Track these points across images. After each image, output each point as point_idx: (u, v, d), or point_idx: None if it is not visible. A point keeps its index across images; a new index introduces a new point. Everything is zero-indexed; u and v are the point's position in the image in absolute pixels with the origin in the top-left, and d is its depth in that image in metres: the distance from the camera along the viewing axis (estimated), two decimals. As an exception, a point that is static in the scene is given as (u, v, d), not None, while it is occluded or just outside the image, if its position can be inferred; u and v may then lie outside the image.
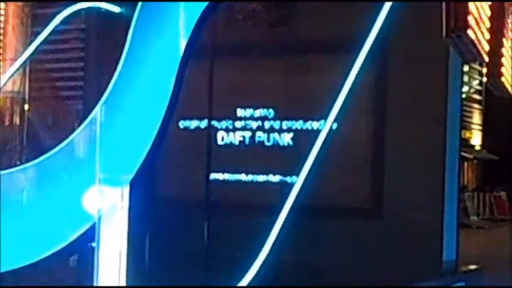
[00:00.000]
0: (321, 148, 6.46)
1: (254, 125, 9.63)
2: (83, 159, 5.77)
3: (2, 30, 8.12)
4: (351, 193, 9.05)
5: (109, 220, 5.49)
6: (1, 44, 8.11)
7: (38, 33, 7.39)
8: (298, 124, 9.26)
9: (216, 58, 8.09)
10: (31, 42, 7.58)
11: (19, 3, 8.22)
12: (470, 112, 41.61)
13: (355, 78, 6.73)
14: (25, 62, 7.68)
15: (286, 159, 9.01)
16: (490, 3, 7.24)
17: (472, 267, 9.64)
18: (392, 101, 8.96)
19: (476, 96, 43.04)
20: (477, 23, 6.62)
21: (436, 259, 8.62)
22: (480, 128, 43.07)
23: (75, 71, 11.72)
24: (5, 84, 7.62)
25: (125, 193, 5.51)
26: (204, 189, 7.53)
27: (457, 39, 6.41)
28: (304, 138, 6.67)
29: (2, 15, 8.24)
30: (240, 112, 9.68)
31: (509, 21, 8.16)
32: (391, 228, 8.71)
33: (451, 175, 8.98)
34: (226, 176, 9.43)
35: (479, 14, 6.73)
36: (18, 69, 7.62)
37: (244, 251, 6.22)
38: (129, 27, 5.91)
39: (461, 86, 9.58)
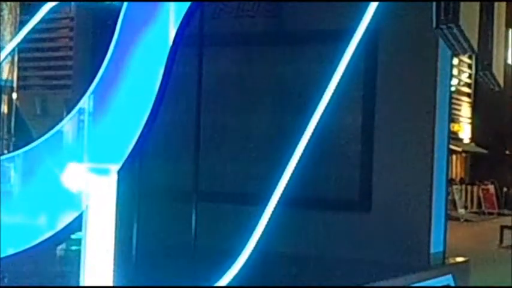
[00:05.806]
0: (309, 139, 6.44)
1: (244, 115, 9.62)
2: (71, 148, 5.73)
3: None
4: (339, 185, 9.05)
5: (96, 210, 5.46)
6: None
7: (26, 22, 7.33)
8: (286, 115, 9.26)
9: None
10: (19, 30, 7.52)
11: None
12: (459, 105, 41.76)
13: (344, 70, 6.71)
14: (13, 50, 7.62)
15: (275, 150, 8.99)
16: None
17: (460, 259, 9.67)
18: (381, 93, 8.95)
19: (466, 89, 43.18)
20: (468, 15, 6.62)
21: (423, 251, 8.64)
22: (469, 121, 43.26)
23: (64, 59, 11.69)
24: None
25: (112, 183, 5.48)
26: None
27: (447, 31, 6.41)
28: (292, 129, 6.63)
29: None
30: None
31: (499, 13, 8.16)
32: (378, 220, 8.72)
33: (440, 168, 8.98)
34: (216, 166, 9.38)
35: (469, 6, 6.73)
36: (6, 57, 7.57)
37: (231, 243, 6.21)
38: (118, 17, 5.87)
39: (451, 79, 9.58)
